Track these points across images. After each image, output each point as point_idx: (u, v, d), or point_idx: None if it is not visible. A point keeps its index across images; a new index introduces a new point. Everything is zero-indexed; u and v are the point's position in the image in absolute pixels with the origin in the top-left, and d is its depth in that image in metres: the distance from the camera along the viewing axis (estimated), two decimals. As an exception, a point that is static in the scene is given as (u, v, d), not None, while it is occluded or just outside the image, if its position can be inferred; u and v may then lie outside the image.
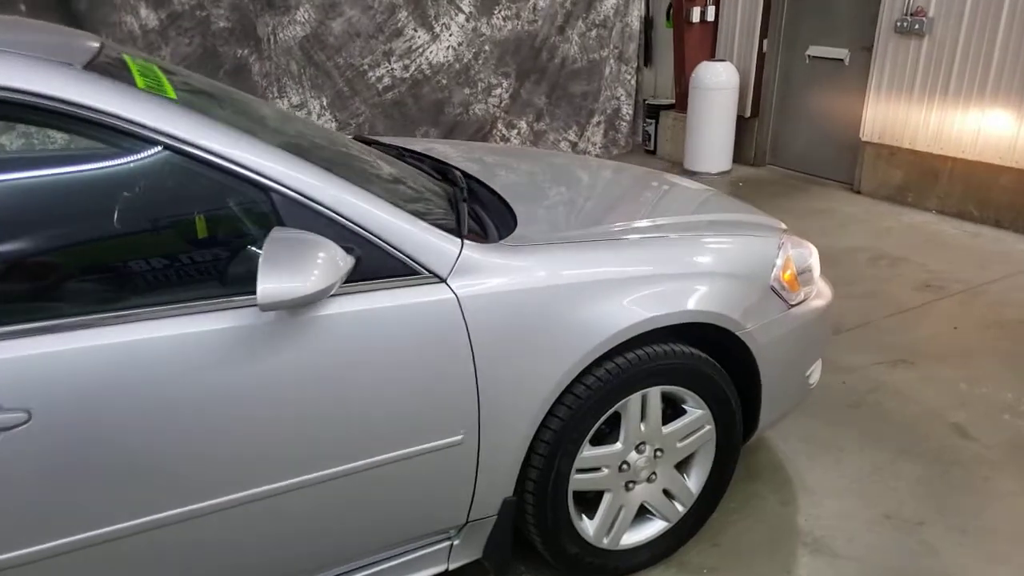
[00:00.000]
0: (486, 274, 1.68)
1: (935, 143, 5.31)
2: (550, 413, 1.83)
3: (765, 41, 6.39)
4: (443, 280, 1.63)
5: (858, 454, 2.65)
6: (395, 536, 1.75)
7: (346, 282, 1.53)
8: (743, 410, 2.22)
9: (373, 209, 1.57)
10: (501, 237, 1.84)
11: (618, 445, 1.98)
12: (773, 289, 2.13)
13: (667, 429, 2.04)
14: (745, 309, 2.04)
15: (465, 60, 5.54)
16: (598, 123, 6.41)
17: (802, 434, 2.77)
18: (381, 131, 5.29)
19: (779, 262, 2.16)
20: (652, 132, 7.21)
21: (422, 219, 1.66)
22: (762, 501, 2.42)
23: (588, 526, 2.00)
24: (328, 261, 1.44)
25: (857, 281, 4.20)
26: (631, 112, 6.57)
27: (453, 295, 1.63)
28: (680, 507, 2.15)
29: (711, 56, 6.62)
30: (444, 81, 5.48)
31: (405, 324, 1.59)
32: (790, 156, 6.55)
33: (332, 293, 1.47)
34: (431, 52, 5.37)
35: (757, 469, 2.58)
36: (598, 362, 1.85)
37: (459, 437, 1.70)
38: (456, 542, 1.86)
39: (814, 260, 2.35)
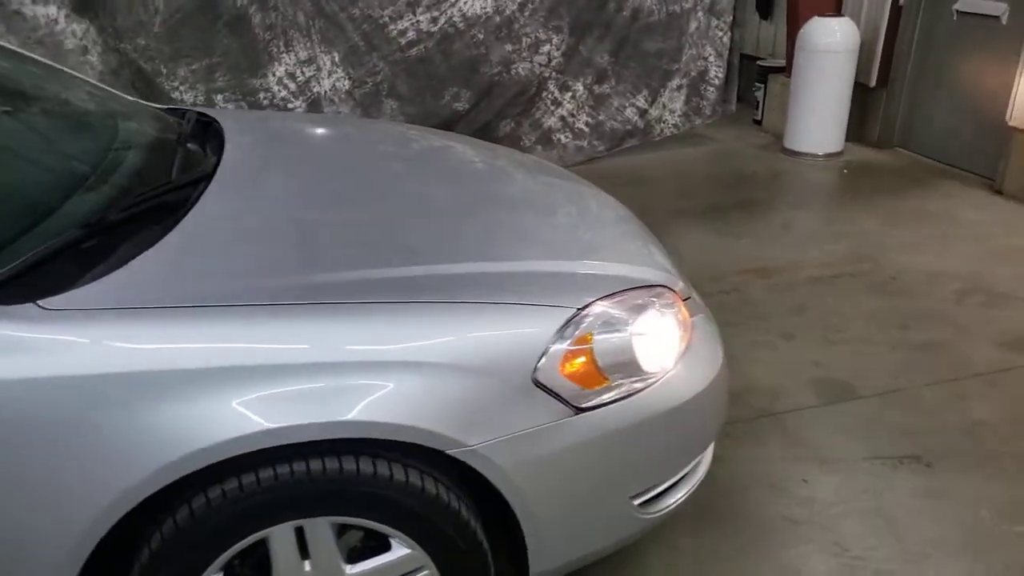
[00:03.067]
0: (-17, 352, 1.17)
1: (1108, 136, 3.89)
2: (142, 539, 1.32)
3: (903, -9, 5.06)
4: (-100, 359, 1.14)
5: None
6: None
7: None
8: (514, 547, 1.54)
9: None
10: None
11: (271, 586, 1.41)
12: (540, 385, 1.41)
13: (354, 570, 1.44)
14: (469, 416, 1.37)
15: (508, 12, 4.82)
16: (678, 87, 5.43)
17: (694, 549, 1.99)
18: (403, 91, 4.76)
19: (555, 347, 1.43)
20: (761, 99, 6.09)
21: None
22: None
23: None
24: None
25: (923, 323, 3.13)
26: (721, 75, 5.51)
27: (-89, 382, 1.13)
28: (395, 669, 1.54)
29: (836, 10, 5.36)
30: (480, 36, 4.81)
31: None
32: (925, 139, 5.21)
33: None
34: (465, 3, 4.71)
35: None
36: (209, 480, 1.29)
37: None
38: None
39: (663, 340, 1.58)
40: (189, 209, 1.57)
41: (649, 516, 1.65)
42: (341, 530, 1.43)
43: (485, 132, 4.96)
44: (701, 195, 4.85)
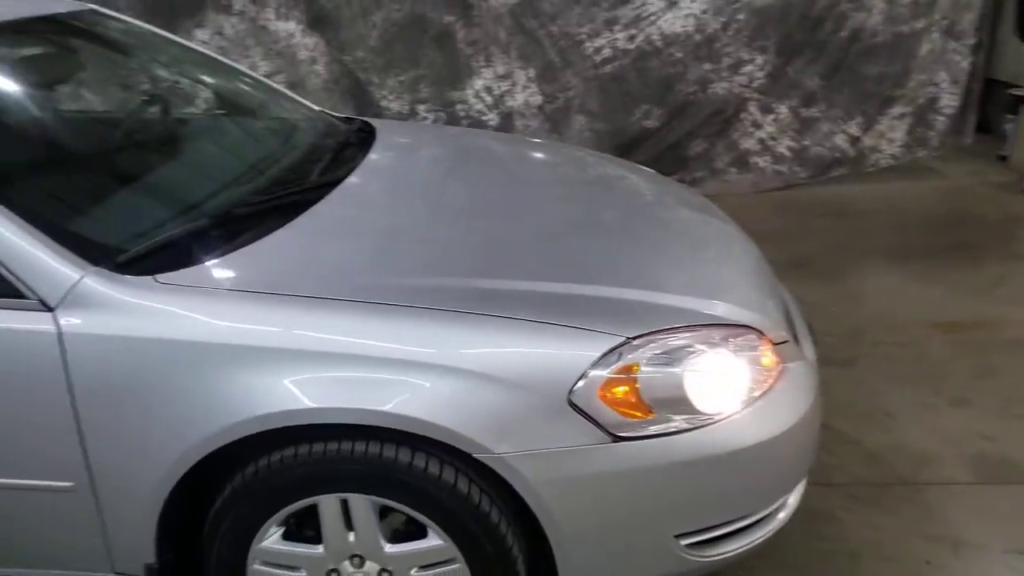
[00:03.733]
0: (109, 311, 1.44)
1: None
2: (216, 488, 1.54)
3: None
4: (51, 309, 1.44)
5: None
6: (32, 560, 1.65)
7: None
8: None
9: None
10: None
11: (320, 549, 1.57)
12: (576, 407, 1.43)
13: (392, 549, 1.56)
14: (500, 426, 1.42)
15: (710, 31, 4.70)
16: (900, 115, 4.92)
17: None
18: (593, 108, 4.83)
19: (595, 372, 1.43)
20: (1011, 132, 5.34)
21: (49, 231, 1.47)
22: None
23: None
24: None
25: None
26: (956, 104, 4.91)
27: (55, 328, 1.43)
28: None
29: (1114, 30, 4.58)
30: (679, 54, 4.74)
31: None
32: None
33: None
34: (665, 21, 4.67)
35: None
36: (272, 447, 1.47)
37: (70, 484, 1.51)
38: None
39: (728, 381, 1.52)
40: (304, 210, 1.79)
41: (698, 559, 1.58)
42: (385, 511, 1.55)
43: (674, 151, 4.90)
44: (909, 234, 4.39)
